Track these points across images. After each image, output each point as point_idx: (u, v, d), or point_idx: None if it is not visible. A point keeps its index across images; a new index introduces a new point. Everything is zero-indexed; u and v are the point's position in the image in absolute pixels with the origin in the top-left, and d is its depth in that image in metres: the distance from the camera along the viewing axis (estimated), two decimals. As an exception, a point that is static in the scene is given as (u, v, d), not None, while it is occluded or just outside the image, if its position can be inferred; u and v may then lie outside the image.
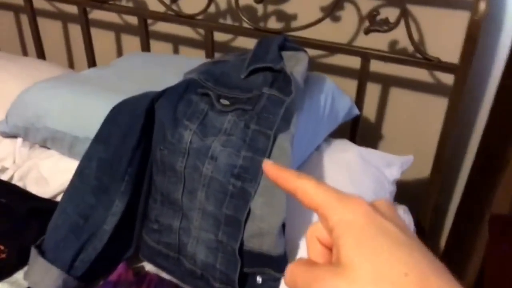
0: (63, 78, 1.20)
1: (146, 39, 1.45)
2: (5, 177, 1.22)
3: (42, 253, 0.95)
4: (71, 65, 1.87)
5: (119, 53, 1.74)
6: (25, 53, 1.99)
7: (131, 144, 0.95)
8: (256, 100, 0.94)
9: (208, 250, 0.92)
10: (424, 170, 1.34)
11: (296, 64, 1.02)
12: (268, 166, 0.41)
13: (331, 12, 1.21)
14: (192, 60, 1.30)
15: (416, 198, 1.33)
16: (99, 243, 0.96)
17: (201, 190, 0.91)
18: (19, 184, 1.21)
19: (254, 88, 0.97)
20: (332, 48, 1.24)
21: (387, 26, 1.14)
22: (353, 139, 1.31)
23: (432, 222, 1.36)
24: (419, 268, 0.31)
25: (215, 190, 0.89)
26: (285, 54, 1.05)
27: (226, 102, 0.96)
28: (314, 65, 1.40)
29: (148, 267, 1.02)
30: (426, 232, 1.30)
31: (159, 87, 1.03)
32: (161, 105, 0.95)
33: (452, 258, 1.40)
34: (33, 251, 0.96)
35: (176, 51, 1.62)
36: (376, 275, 0.31)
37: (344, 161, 1.12)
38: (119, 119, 0.98)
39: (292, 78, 0.95)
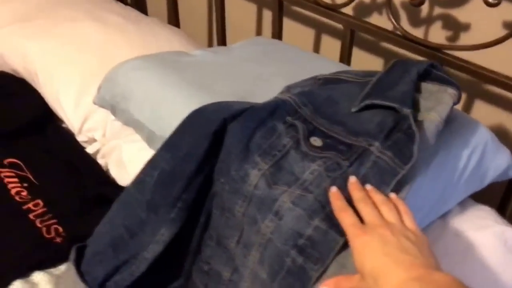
0: (165, 58, 1.03)
1: (279, 25, 1.22)
2: (91, 150, 1.14)
3: (81, 257, 0.83)
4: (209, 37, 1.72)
5: (258, 32, 1.53)
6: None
7: (191, 167, 0.75)
8: (359, 153, 0.68)
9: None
10: None
11: (434, 107, 0.73)
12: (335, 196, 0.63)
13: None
14: (322, 62, 1.05)
15: None
16: (136, 270, 0.80)
17: (257, 249, 0.70)
18: (101, 162, 1.12)
19: (363, 133, 0.71)
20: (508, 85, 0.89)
21: None
22: (504, 208, 0.96)
23: None
24: None
25: (271, 257, 0.67)
26: (426, 87, 0.76)
27: (318, 142, 0.71)
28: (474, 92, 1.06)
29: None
30: None
31: (256, 92, 0.83)
32: (233, 129, 0.73)
33: None
34: (73, 254, 0.84)
35: (317, 38, 1.36)
36: None
37: (476, 245, 0.81)
38: (190, 131, 0.79)
39: (416, 137, 0.66)
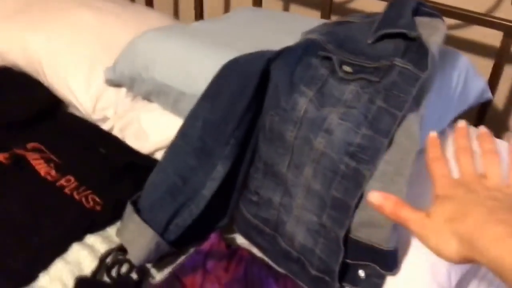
0: (175, 28, 1.13)
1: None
2: (106, 127, 1.20)
3: (137, 210, 0.91)
4: (176, 15, 1.82)
5: (226, 8, 1.65)
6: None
7: (241, 105, 0.86)
8: (385, 71, 0.82)
9: (308, 233, 0.83)
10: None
11: (432, 34, 0.87)
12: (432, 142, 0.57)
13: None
14: (308, 19, 1.19)
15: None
16: (195, 208, 0.90)
17: (310, 165, 0.82)
18: (119, 135, 1.18)
19: (383, 57, 0.85)
20: (470, 17, 1.07)
21: (545, -4, 0.96)
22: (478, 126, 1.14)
23: None
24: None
25: (325, 167, 0.80)
26: (420, 20, 0.91)
27: (349, 69, 0.84)
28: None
29: (240, 240, 0.96)
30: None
31: (273, 46, 0.93)
32: (278, 67, 0.85)
33: None
34: (129, 207, 0.92)
35: (286, 10, 1.50)
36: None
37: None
38: (230, 78, 0.90)
39: (430, 50, 0.81)
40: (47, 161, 1.11)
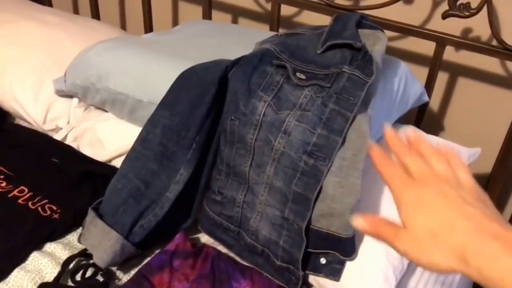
0: (127, 39, 1.16)
1: (208, 7, 1.40)
2: (58, 137, 1.20)
3: (100, 216, 0.93)
4: (123, 28, 1.84)
5: (175, 21, 1.69)
6: (76, 11, 1.95)
7: (202, 112, 0.91)
8: (334, 77, 0.90)
9: (272, 226, 0.89)
10: (485, 166, 1.29)
11: (375, 43, 0.97)
12: (375, 152, 0.52)
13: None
14: (257, 32, 1.26)
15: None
16: (160, 210, 0.93)
17: (271, 164, 0.88)
18: (73, 145, 1.19)
19: (332, 65, 0.93)
20: (407, 30, 1.18)
21: (468, 11, 1.08)
22: (418, 126, 1.26)
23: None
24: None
25: (285, 165, 0.86)
26: (363, 32, 1.00)
27: (302, 76, 0.91)
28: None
29: (204, 239, 1.00)
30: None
31: (225, 56, 0.99)
32: (235, 75, 0.91)
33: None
34: (91, 213, 0.94)
35: (235, 23, 1.57)
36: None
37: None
38: (188, 86, 0.95)
39: (373, 57, 0.90)
40: (-4, 174, 1.10)
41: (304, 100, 0.89)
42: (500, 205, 1.39)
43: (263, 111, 0.88)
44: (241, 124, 0.89)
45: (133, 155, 0.96)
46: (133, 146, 0.96)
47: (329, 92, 0.88)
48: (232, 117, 0.90)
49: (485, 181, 1.23)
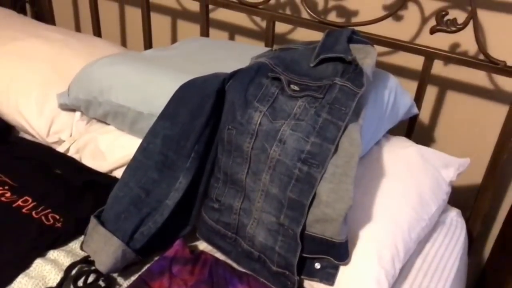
0: (128, 55, 1.21)
1: (206, 25, 1.46)
2: (61, 149, 1.24)
3: (101, 223, 0.96)
4: (123, 45, 1.89)
5: (174, 39, 1.75)
6: (78, 29, 2.01)
7: (201, 122, 0.96)
8: (327, 89, 0.94)
9: (268, 232, 0.92)
10: (474, 176, 1.33)
11: (365, 57, 1.01)
12: None
13: (396, 11, 1.21)
14: (253, 47, 1.31)
15: (465, 202, 1.32)
16: (160, 218, 0.97)
17: (266, 172, 0.91)
18: (75, 157, 1.23)
19: (324, 77, 0.97)
20: (396, 45, 1.23)
21: (454, 27, 1.13)
22: (409, 137, 1.30)
23: (480, 228, 1.35)
24: None
25: (281, 173, 0.90)
26: (354, 47, 1.05)
27: (296, 88, 0.96)
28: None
29: (202, 246, 1.03)
30: (473, 238, 1.29)
31: (222, 69, 1.04)
32: (232, 86, 0.96)
33: (497, 265, 1.39)
34: (93, 221, 0.97)
35: (232, 39, 1.62)
36: None
37: (404, 157, 1.11)
38: (187, 98, 0.99)
39: (364, 70, 0.94)
40: (2, 184, 1.13)
41: (298, 110, 0.93)
42: (490, 214, 1.43)
43: (259, 121, 0.92)
44: (238, 133, 0.93)
45: (134, 164, 1.00)
46: (134, 156, 1.00)
47: (322, 102, 0.93)
48: (230, 127, 0.94)
49: (476, 191, 1.27)
